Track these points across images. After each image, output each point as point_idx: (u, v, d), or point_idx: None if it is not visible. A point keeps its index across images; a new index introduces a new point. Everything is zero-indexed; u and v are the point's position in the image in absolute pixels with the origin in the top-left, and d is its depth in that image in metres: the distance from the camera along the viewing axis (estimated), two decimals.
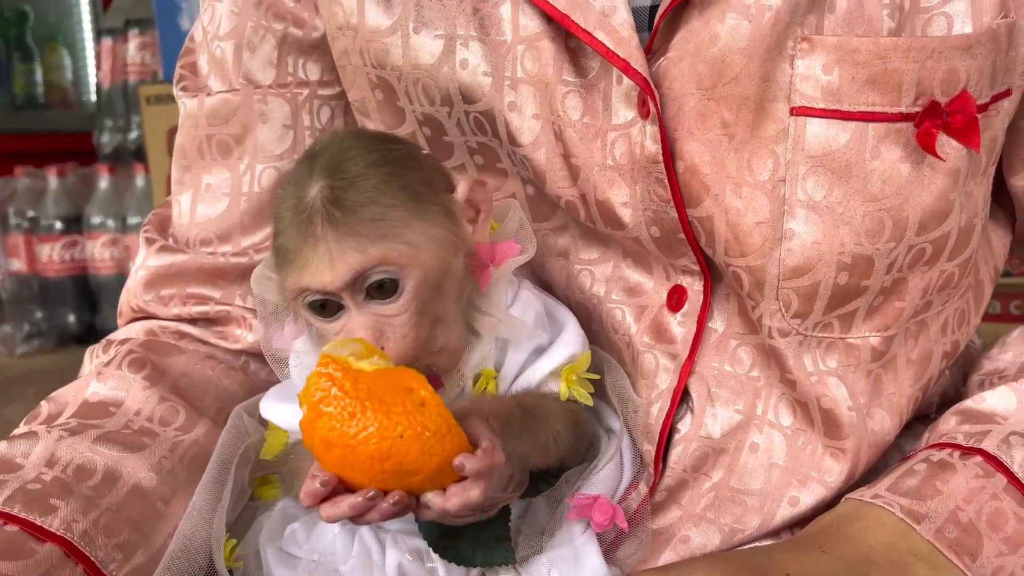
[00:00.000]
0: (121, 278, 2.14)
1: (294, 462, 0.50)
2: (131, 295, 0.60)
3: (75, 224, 2.17)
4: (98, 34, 2.38)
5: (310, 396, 0.40)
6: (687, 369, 0.52)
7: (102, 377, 0.53)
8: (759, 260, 0.48)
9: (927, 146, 0.45)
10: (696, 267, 0.51)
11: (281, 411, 0.51)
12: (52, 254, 2.17)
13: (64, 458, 0.48)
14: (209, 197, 0.59)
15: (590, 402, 0.50)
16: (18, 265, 2.19)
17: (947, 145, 0.46)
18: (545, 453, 0.48)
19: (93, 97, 2.80)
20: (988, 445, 0.47)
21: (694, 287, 0.52)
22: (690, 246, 0.50)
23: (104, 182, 2.15)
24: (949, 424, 0.50)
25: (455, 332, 0.47)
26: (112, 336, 0.59)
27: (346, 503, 0.40)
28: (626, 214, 0.51)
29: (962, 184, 0.47)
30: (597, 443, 0.53)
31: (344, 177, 0.43)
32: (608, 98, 0.49)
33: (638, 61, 0.46)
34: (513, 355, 0.50)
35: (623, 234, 0.52)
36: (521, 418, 0.46)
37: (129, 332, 0.59)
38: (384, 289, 0.44)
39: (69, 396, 0.53)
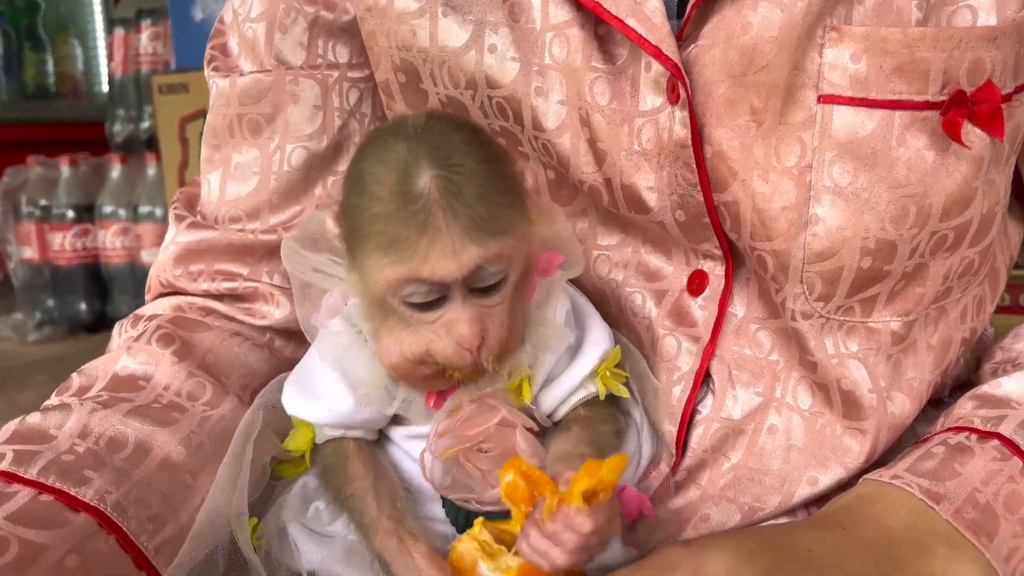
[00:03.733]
0: (132, 267, 2.15)
1: (329, 459, 0.50)
2: (160, 270, 0.60)
3: (87, 213, 2.18)
4: (110, 24, 2.39)
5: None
6: (709, 352, 0.53)
7: (132, 352, 0.54)
8: (784, 244, 0.49)
9: (953, 134, 0.46)
10: (718, 251, 0.52)
11: (307, 407, 0.51)
12: (64, 243, 2.18)
13: (96, 430, 0.49)
14: (238, 175, 0.59)
15: (626, 394, 0.51)
16: (30, 253, 2.20)
17: (971, 133, 0.47)
18: (596, 456, 0.48)
19: (104, 87, 2.82)
20: (1005, 429, 0.48)
21: (715, 272, 0.53)
22: (714, 230, 0.51)
23: (116, 171, 2.15)
24: (965, 408, 0.50)
25: (520, 325, 0.48)
26: (140, 311, 0.60)
27: None
28: (651, 198, 0.51)
29: (985, 172, 0.48)
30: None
31: (458, 171, 0.42)
32: (636, 84, 0.50)
33: (670, 48, 0.47)
34: (546, 355, 0.50)
35: (647, 218, 0.53)
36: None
37: (157, 308, 0.59)
38: (493, 286, 0.44)
39: (100, 370, 0.54)
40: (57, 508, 0.44)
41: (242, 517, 0.48)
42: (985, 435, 0.48)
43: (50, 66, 2.89)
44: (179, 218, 0.61)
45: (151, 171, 2.09)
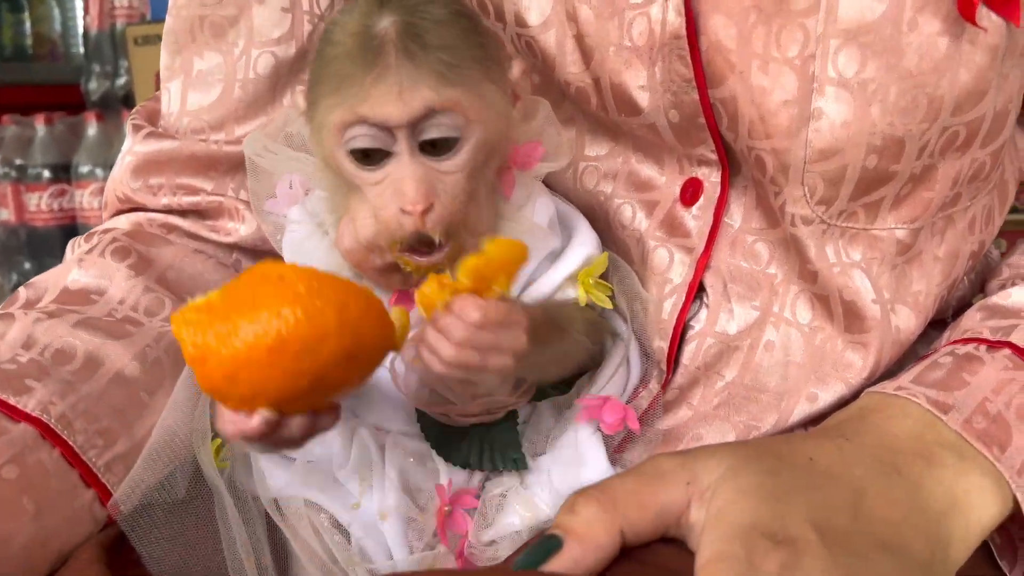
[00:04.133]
0: None
1: None
2: (117, 183, 0.57)
3: (63, 173, 2.13)
4: None
5: (186, 353, 0.35)
6: (703, 263, 0.50)
7: (84, 264, 0.51)
8: (784, 142, 0.46)
9: (968, 15, 0.42)
10: (714, 156, 0.49)
11: None
12: (40, 203, 2.13)
13: (42, 340, 0.45)
14: (201, 83, 0.56)
15: (610, 305, 0.48)
16: (6, 215, 2.15)
17: (986, 19, 0.43)
18: (565, 363, 0.46)
19: (81, 49, 2.75)
20: (1016, 338, 0.45)
21: (711, 178, 0.50)
22: (710, 132, 0.48)
23: (92, 129, 2.10)
24: (974, 320, 0.48)
25: (484, 217, 0.44)
26: (95, 228, 0.56)
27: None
28: (643, 98, 0.48)
29: (1000, 63, 0.45)
30: (605, 346, 0.51)
31: (423, 16, 0.40)
32: None
33: None
34: None
35: (638, 121, 0.49)
36: (545, 324, 0.43)
37: (114, 223, 0.56)
38: (439, 145, 0.41)
39: (49, 282, 0.50)
40: None
41: (204, 436, 0.45)
42: (995, 344, 0.45)
43: (27, 27, 2.82)
44: (136, 128, 0.57)
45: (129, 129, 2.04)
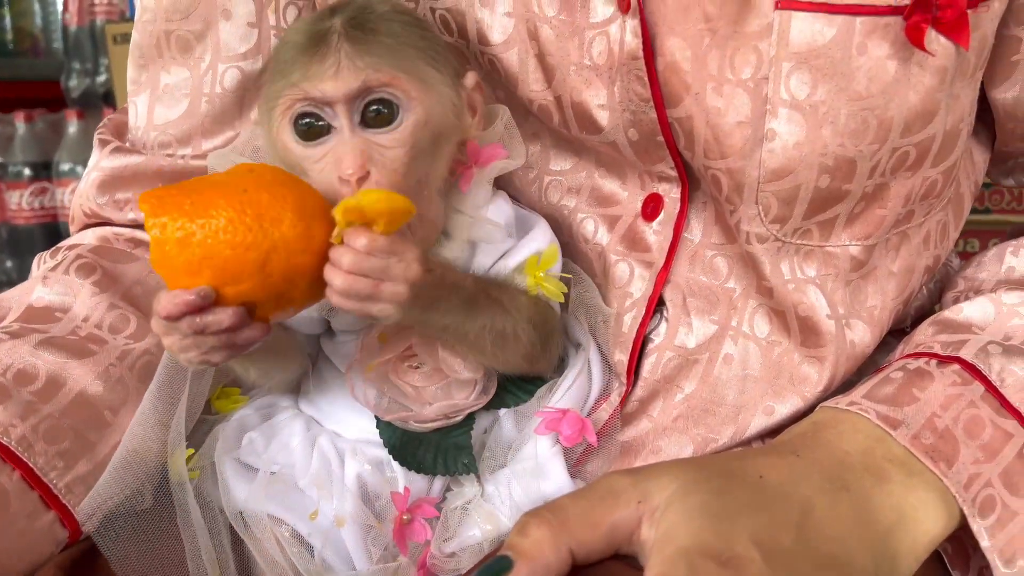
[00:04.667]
0: None
1: None
2: (83, 198, 0.57)
3: (44, 171, 2.12)
4: None
5: (150, 229, 0.38)
6: (663, 277, 0.50)
7: (48, 282, 0.51)
8: (739, 162, 0.46)
9: (916, 40, 0.43)
10: (673, 172, 0.50)
11: None
12: (21, 201, 2.12)
13: (3, 361, 0.46)
14: (167, 98, 0.56)
15: (561, 299, 0.48)
16: None
17: (935, 42, 0.44)
18: (504, 345, 0.46)
19: (61, 45, 2.72)
20: (966, 354, 0.46)
21: (671, 194, 0.51)
22: (668, 149, 0.49)
23: (73, 127, 2.09)
24: (926, 334, 0.49)
25: (434, 207, 0.45)
26: (62, 243, 0.56)
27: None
28: (603, 116, 0.49)
29: (949, 85, 0.46)
30: (566, 358, 0.52)
31: (371, 13, 0.43)
32: None
33: None
34: (480, 259, 0.48)
35: (599, 139, 0.50)
36: (476, 291, 0.44)
37: (80, 238, 0.56)
38: (382, 116, 0.42)
39: (13, 300, 0.50)
40: None
41: (178, 446, 0.46)
42: (945, 360, 0.46)
43: (8, 22, 2.79)
44: (103, 143, 0.57)
45: None
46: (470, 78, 0.47)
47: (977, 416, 0.44)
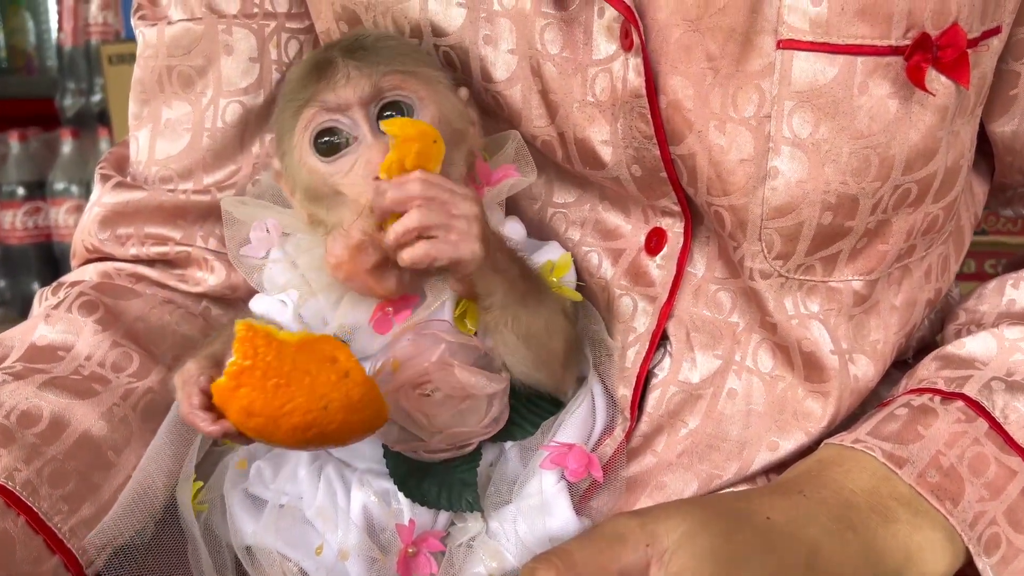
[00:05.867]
0: None
1: None
2: (85, 234, 0.57)
3: (38, 190, 2.11)
4: None
5: (230, 365, 0.38)
6: (666, 312, 0.50)
7: (50, 320, 0.51)
8: (742, 199, 0.46)
9: (916, 80, 0.44)
10: (677, 208, 0.50)
11: None
12: (15, 221, 2.11)
13: (8, 403, 0.45)
14: (169, 132, 0.56)
15: (579, 298, 0.50)
16: None
17: (936, 81, 0.44)
18: (554, 330, 0.46)
19: (56, 62, 2.72)
20: (969, 390, 0.46)
21: (674, 229, 0.51)
22: (671, 185, 0.49)
23: (67, 147, 2.09)
24: (929, 369, 0.49)
25: None
26: (64, 279, 0.56)
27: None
28: (606, 153, 0.49)
29: (949, 122, 0.46)
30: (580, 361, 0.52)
31: (367, 38, 0.46)
32: (589, 31, 0.47)
33: None
34: None
35: (602, 174, 0.50)
36: (527, 268, 0.46)
37: (82, 274, 0.56)
38: (393, 111, 0.44)
39: (15, 339, 0.50)
40: None
41: (187, 480, 0.46)
42: (949, 396, 0.46)
43: (1, 39, 2.79)
44: (104, 178, 0.57)
45: (104, 146, 2.02)
46: (463, 92, 0.49)
47: (982, 454, 0.44)
